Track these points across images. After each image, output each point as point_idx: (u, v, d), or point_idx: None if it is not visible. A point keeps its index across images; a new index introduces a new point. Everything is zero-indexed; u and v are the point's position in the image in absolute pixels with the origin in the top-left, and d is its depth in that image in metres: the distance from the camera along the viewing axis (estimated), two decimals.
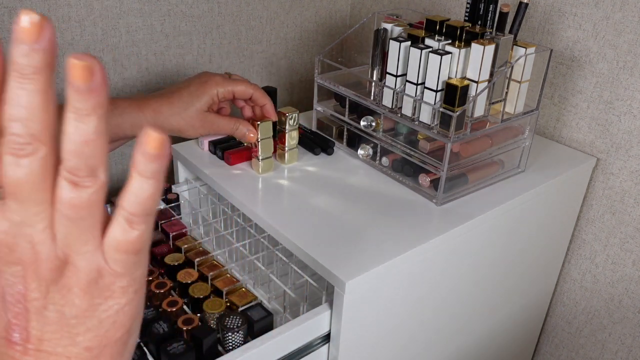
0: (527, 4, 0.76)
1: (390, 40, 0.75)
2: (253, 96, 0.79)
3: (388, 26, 0.82)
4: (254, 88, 0.79)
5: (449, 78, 0.72)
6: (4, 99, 0.25)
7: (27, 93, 0.24)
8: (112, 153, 0.97)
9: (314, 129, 0.92)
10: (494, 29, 0.76)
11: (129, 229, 0.28)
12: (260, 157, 0.78)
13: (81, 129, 0.25)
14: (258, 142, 0.78)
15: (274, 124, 0.80)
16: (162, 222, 0.77)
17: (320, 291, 0.67)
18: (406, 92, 0.76)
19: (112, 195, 0.86)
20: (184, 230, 0.77)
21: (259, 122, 0.77)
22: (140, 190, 0.27)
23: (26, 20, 0.23)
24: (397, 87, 0.77)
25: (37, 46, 0.24)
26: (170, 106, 0.74)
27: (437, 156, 0.73)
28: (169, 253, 0.73)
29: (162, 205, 0.81)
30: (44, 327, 0.28)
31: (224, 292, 0.68)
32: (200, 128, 0.76)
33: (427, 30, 0.77)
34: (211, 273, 0.70)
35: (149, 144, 0.26)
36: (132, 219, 0.28)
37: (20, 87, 0.24)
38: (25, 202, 0.26)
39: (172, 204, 0.82)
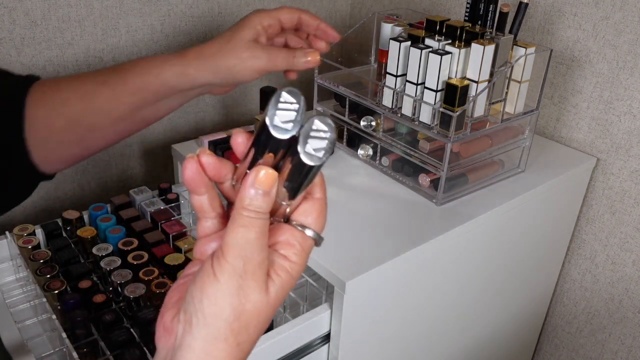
0: (527, 4, 0.76)
1: (390, 40, 0.75)
2: (302, 19, 0.66)
3: (388, 26, 0.82)
4: (299, 11, 0.66)
5: (449, 78, 0.72)
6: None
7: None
8: (112, 153, 0.97)
9: None
10: (494, 29, 0.76)
11: None
12: None
13: None
14: None
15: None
16: (162, 222, 0.77)
17: (320, 291, 0.67)
18: (406, 92, 0.76)
19: (112, 194, 0.86)
20: (184, 230, 0.77)
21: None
22: None
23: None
24: (397, 87, 0.77)
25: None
26: (211, 45, 0.63)
27: (437, 156, 0.73)
28: (169, 253, 0.73)
29: (162, 206, 0.81)
30: None
31: None
32: (249, 59, 0.62)
33: (427, 30, 0.77)
34: None
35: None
36: None
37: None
38: None
39: (172, 204, 0.82)
